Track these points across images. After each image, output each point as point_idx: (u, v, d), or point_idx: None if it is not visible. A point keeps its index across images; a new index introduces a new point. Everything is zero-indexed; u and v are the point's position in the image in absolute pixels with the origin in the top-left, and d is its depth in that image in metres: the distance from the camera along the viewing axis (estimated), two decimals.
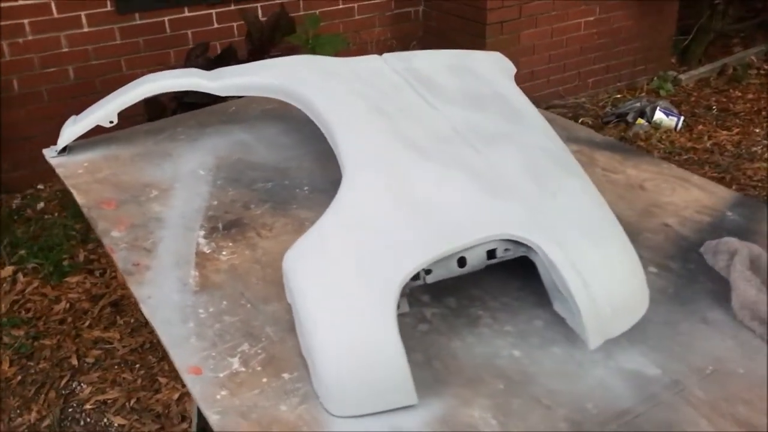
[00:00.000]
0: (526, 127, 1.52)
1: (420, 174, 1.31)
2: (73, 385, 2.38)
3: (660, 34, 4.94)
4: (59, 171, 1.82)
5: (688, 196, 1.55)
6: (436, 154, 1.38)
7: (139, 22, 3.66)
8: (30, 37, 3.44)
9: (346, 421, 1.01)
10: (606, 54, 4.74)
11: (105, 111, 1.85)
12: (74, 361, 2.46)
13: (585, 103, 4.62)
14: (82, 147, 1.92)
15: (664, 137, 4.12)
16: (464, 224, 1.19)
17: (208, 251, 1.41)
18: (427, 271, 1.16)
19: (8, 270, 2.90)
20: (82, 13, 3.50)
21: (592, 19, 4.55)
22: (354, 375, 1.02)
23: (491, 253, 1.18)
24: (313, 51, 3.71)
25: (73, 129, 1.87)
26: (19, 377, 2.41)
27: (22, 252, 2.99)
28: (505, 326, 1.19)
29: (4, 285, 2.84)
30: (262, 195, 1.61)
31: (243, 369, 1.11)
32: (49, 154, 1.90)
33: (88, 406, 2.29)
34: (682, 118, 4.28)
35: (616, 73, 4.86)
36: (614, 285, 1.13)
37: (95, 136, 1.94)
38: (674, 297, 1.25)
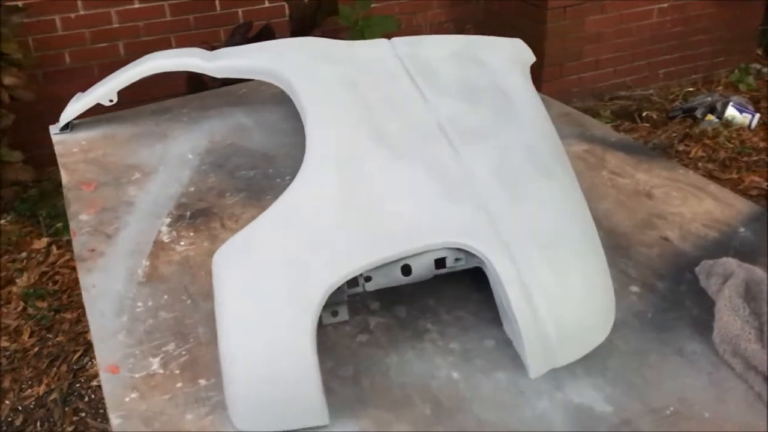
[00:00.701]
0: (516, 122, 1.39)
1: (380, 173, 1.22)
2: (84, 361, 2.40)
3: (745, 23, 4.59)
4: (57, 148, 1.81)
5: (699, 207, 1.39)
6: (407, 151, 1.28)
7: None
8: (82, 12, 3.49)
9: None
10: (681, 44, 4.44)
11: (105, 89, 1.82)
12: (89, 337, 2.48)
13: (652, 96, 4.34)
14: (85, 125, 1.90)
15: (734, 135, 3.83)
16: (412, 229, 1.09)
17: (167, 240, 1.36)
18: (367, 278, 1.06)
19: (43, 241, 2.97)
20: None
21: (665, 5, 4.26)
22: (262, 389, 0.94)
23: (440, 263, 1.08)
24: (362, 33, 3.63)
25: (75, 106, 1.85)
26: (37, 348, 2.46)
27: (59, 225, 3.05)
28: (451, 343, 1.09)
29: (38, 256, 2.90)
30: (240, 183, 1.55)
31: (161, 371, 1.05)
32: (53, 130, 1.89)
33: (94, 383, 2.30)
34: (758, 115, 3.97)
35: (691, 64, 4.55)
36: (567, 308, 1.00)
37: (102, 114, 1.93)
38: (651, 323, 1.11)
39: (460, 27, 4.20)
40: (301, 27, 3.18)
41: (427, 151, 1.28)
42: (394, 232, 1.08)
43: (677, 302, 1.15)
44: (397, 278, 1.08)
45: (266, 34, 3.02)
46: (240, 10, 3.76)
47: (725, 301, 1.07)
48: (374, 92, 1.51)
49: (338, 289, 1.05)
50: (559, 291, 1.01)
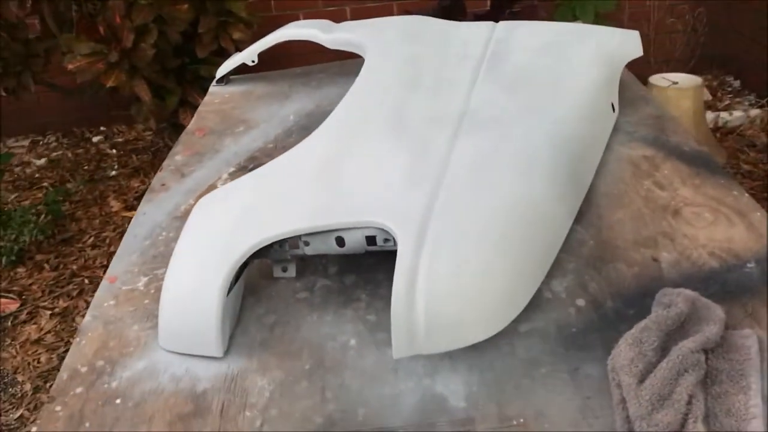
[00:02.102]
0: (546, 117, 1.39)
1: (363, 152, 1.32)
2: None
3: None
4: (206, 98, 2.14)
5: (723, 234, 1.26)
6: (407, 135, 1.35)
7: None
8: None
9: (158, 351, 1.13)
10: None
11: (248, 52, 2.11)
12: None
13: None
14: (238, 81, 2.22)
15: None
16: (350, 205, 1.18)
17: (219, 186, 1.59)
18: (306, 243, 1.19)
19: None
20: None
21: None
22: (177, 317, 1.13)
23: (371, 240, 1.16)
24: (574, 11, 3.53)
25: (226, 64, 2.17)
26: None
27: None
28: (369, 315, 1.17)
29: None
30: None
31: (141, 288, 1.29)
32: (213, 83, 2.23)
33: None
34: None
35: None
36: (447, 301, 1.03)
37: (261, 72, 2.22)
38: (568, 338, 1.08)
39: (695, 10, 3.86)
40: (500, 1, 3.21)
41: (425, 139, 1.34)
42: (333, 205, 1.18)
43: (613, 324, 1.10)
44: (332, 247, 1.18)
45: (456, 6, 3.11)
46: None
47: (634, 330, 1.01)
48: (432, 74, 1.59)
49: (280, 247, 1.20)
50: (445, 284, 1.04)
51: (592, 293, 1.16)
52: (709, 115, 3.59)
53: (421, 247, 1.07)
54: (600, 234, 1.30)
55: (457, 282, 1.05)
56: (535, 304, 1.13)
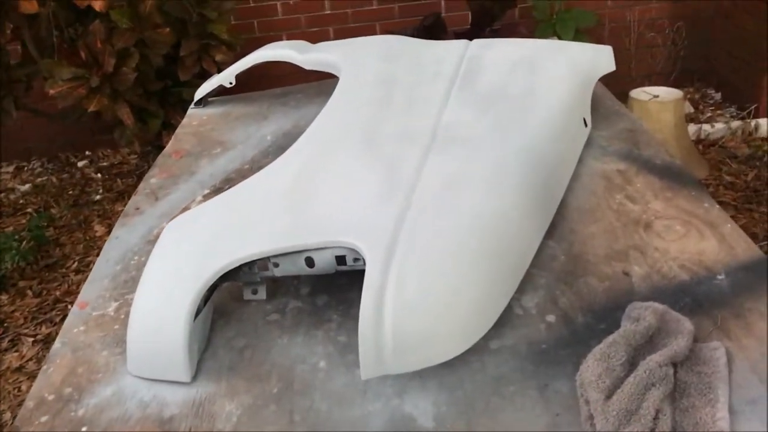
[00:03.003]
0: (516, 135, 1.39)
1: (336, 170, 1.31)
2: None
3: None
4: (184, 121, 2.13)
5: (693, 246, 1.26)
6: (379, 154, 1.35)
7: None
8: None
9: (125, 377, 1.12)
10: None
11: (226, 74, 2.11)
12: None
13: None
14: (216, 102, 2.22)
15: None
16: (318, 225, 1.18)
17: (192, 208, 1.58)
18: (276, 264, 1.18)
19: None
20: None
21: None
22: (145, 341, 1.12)
23: (341, 260, 1.15)
24: (554, 27, 3.55)
25: (204, 86, 2.17)
26: None
27: None
28: (340, 336, 1.16)
29: None
30: None
31: (112, 313, 1.28)
32: (191, 106, 2.23)
33: None
34: None
35: None
36: (415, 320, 1.02)
37: (241, 93, 2.23)
38: (538, 354, 1.08)
39: (688, 26, 3.89)
40: (480, 19, 3.23)
41: (396, 156, 1.34)
42: (302, 225, 1.18)
43: (584, 340, 1.09)
44: (302, 268, 1.17)
45: (436, 24, 3.13)
46: (443, 1, 3.89)
47: (602, 345, 1.01)
48: (405, 93, 1.59)
49: (249, 269, 1.19)
50: (413, 302, 1.03)
51: (563, 308, 1.16)
52: (692, 128, 3.61)
53: (389, 266, 1.07)
54: (571, 248, 1.30)
55: (426, 299, 1.04)
56: (505, 320, 1.13)
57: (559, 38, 3.41)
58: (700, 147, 3.60)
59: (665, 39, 3.99)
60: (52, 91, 3.05)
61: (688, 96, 3.98)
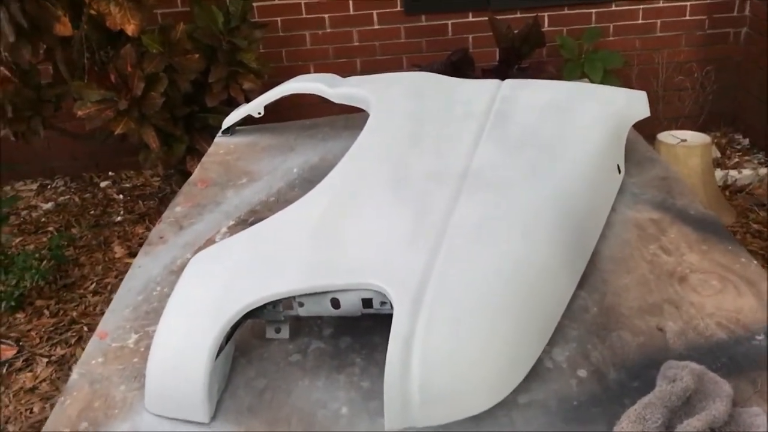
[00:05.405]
0: (548, 180, 1.36)
1: (364, 211, 1.29)
2: None
3: None
4: (211, 149, 2.13)
5: (731, 303, 1.22)
6: (409, 195, 1.33)
7: (424, 23, 3.89)
8: (328, 30, 3.91)
9: (143, 414, 1.09)
10: None
11: (255, 104, 2.11)
12: None
13: None
14: (244, 132, 2.21)
15: None
16: (346, 265, 1.15)
17: (217, 240, 1.56)
18: (301, 304, 1.16)
19: None
20: (374, 12, 3.86)
21: None
22: (165, 379, 1.09)
23: (368, 303, 1.13)
24: (582, 67, 3.54)
25: (232, 115, 2.17)
26: None
27: None
28: (363, 381, 1.13)
29: None
30: None
31: (131, 346, 1.26)
32: (218, 134, 2.23)
33: None
34: None
35: None
36: (443, 372, 0.99)
37: (267, 122, 2.22)
38: (569, 411, 1.04)
39: (716, 68, 3.87)
40: (508, 57, 3.22)
41: (426, 198, 1.32)
42: (329, 266, 1.15)
43: (617, 398, 1.05)
44: (327, 309, 1.15)
45: (464, 60, 3.13)
46: (470, 36, 3.90)
47: (638, 406, 0.97)
48: (435, 131, 1.57)
49: (274, 308, 1.16)
50: (442, 353, 1.00)
51: (595, 363, 1.12)
52: (718, 173, 3.57)
53: (418, 313, 1.04)
54: (604, 300, 1.26)
55: (455, 350, 1.01)
56: (535, 374, 1.09)
57: (589, 78, 3.39)
58: (727, 193, 3.55)
59: (693, 82, 3.96)
60: (80, 113, 3.07)
61: (715, 140, 3.94)
